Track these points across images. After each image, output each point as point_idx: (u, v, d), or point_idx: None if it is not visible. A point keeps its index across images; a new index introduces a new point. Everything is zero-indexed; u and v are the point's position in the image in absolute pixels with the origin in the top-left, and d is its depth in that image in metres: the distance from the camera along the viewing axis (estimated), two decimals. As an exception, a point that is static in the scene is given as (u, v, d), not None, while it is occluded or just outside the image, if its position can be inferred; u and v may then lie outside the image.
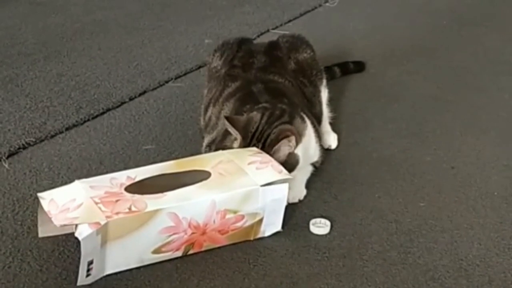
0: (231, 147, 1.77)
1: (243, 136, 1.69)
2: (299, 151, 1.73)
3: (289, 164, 1.69)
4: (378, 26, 3.03)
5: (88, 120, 2.16)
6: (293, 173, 1.72)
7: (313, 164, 1.86)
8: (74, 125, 2.12)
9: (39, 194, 1.53)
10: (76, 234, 1.43)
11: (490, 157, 2.01)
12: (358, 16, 3.14)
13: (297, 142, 1.71)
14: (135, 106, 2.26)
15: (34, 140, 2.02)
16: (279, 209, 1.62)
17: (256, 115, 1.72)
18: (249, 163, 1.63)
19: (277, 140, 1.68)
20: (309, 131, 1.79)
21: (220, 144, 1.81)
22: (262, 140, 1.69)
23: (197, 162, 1.66)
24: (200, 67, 2.51)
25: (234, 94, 1.86)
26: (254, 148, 1.70)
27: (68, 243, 1.58)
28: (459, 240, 1.65)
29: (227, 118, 1.70)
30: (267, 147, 1.68)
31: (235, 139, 1.72)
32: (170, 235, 1.52)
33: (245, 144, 1.69)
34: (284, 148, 1.69)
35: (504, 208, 1.78)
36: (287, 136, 1.67)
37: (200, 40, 2.78)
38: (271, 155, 1.66)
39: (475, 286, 1.52)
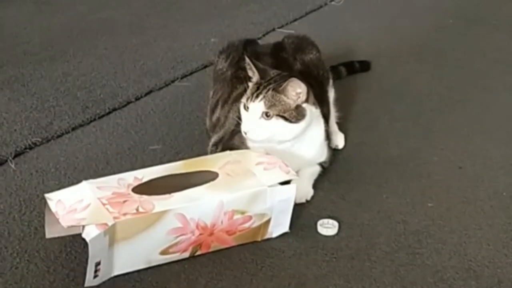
0: (238, 146, 1.77)
1: (260, 74, 1.72)
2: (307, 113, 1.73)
3: (294, 112, 1.69)
4: (383, 25, 3.02)
5: (94, 120, 2.15)
6: (308, 170, 1.73)
7: (321, 165, 1.85)
8: (80, 125, 2.12)
9: (46, 195, 1.53)
10: (84, 235, 1.42)
11: (498, 157, 2.01)
12: (363, 15, 3.13)
13: (307, 99, 1.72)
14: (141, 106, 2.25)
15: (40, 140, 2.02)
16: (286, 209, 1.62)
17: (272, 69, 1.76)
18: (257, 164, 1.63)
19: (288, 80, 1.68)
20: (319, 118, 1.80)
21: (227, 143, 1.81)
22: (278, 81, 1.70)
23: (204, 163, 1.66)
24: (206, 66, 2.51)
25: (243, 95, 1.85)
26: (261, 150, 1.70)
27: (75, 244, 1.57)
28: (467, 240, 1.65)
29: (248, 57, 1.72)
30: (277, 85, 1.69)
31: (251, 81, 1.74)
32: (178, 236, 1.51)
33: (260, 82, 1.71)
34: (291, 91, 1.69)
35: (512, 208, 1.77)
36: (296, 78, 1.68)
37: (206, 39, 2.77)
38: (279, 93, 1.67)
39: (484, 287, 1.51)
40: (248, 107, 1.70)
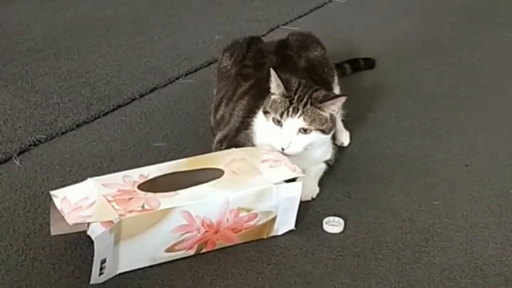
0: (244, 144, 1.77)
1: (285, 85, 1.69)
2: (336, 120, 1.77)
3: (330, 123, 1.70)
4: (388, 22, 3.01)
5: (99, 117, 2.15)
6: (314, 168, 1.73)
7: (326, 162, 1.85)
8: (85, 122, 2.11)
9: (52, 192, 1.52)
10: (89, 233, 1.42)
11: (504, 155, 2.00)
12: (368, 12, 3.12)
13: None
14: (146, 103, 2.25)
15: (45, 137, 2.01)
16: (292, 207, 1.61)
17: (293, 78, 1.74)
18: (262, 161, 1.62)
19: (329, 97, 1.69)
20: None
21: (232, 140, 1.80)
22: (308, 93, 1.69)
23: (210, 160, 1.65)
24: (210, 63, 2.50)
25: (247, 92, 1.85)
26: (267, 147, 1.70)
27: (80, 241, 1.57)
28: (474, 239, 1.64)
29: (274, 70, 1.70)
30: (315, 99, 1.68)
31: (273, 93, 1.71)
32: (183, 234, 1.51)
33: (289, 94, 1.68)
34: (333, 107, 1.69)
35: (519, 206, 1.76)
36: (339, 96, 1.70)
37: (210, 36, 2.77)
38: (319, 108, 1.67)
39: (491, 286, 1.50)
40: (281, 122, 1.67)
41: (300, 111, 1.66)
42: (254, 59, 1.98)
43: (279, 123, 1.68)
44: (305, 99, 1.68)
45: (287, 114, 1.67)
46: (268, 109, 1.71)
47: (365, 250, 1.59)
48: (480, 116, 2.23)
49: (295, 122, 1.67)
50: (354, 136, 2.05)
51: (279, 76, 1.70)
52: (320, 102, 1.68)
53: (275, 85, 1.71)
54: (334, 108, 1.70)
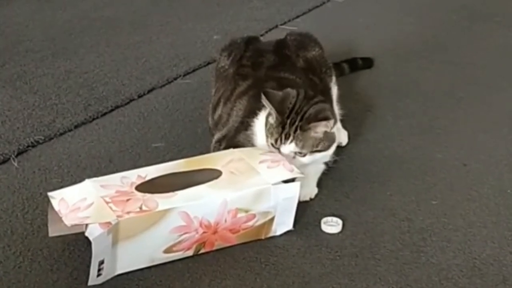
0: (244, 144, 1.76)
1: (278, 111, 1.68)
2: (335, 135, 1.74)
3: (326, 142, 1.69)
4: (387, 21, 3.01)
5: (97, 117, 2.15)
6: (313, 168, 1.73)
7: (325, 163, 1.84)
8: (83, 123, 2.11)
9: (50, 193, 1.52)
10: (87, 234, 1.42)
11: (502, 154, 2.00)
12: (366, 11, 3.12)
13: (334, 123, 1.72)
14: (144, 103, 2.25)
15: (43, 138, 2.01)
16: (290, 208, 1.61)
17: (292, 91, 1.71)
18: (260, 162, 1.62)
19: (316, 119, 1.66)
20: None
21: (232, 140, 1.80)
22: (301, 113, 1.67)
23: (207, 161, 1.65)
24: (208, 63, 2.50)
25: (246, 92, 1.85)
26: (266, 148, 1.69)
27: (78, 243, 1.57)
28: (472, 238, 1.64)
29: (264, 92, 1.69)
30: (304, 121, 1.67)
31: (270, 114, 1.70)
32: (181, 235, 1.51)
33: (282, 118, 1.67)
34: (321, 128, 1.68)
35: (517, 206, 1.76)
36: (326, 119, 1.67)
37: (208, 36, 2.77)
38: (308, 130, 1.65)
39: (489, 285, 1.50)
40: (278, 148, 1.68)
41: (291, 137, 1.66)
42: (252, 58, 1.98)
43: (274, 146, 1.69)
44: (296, 123, 1.66)
45: (281, 141, 1.67)
46: (266, 132, 1.70)
47: (363, 250, 1.60)
48: (478, 115, 2.22)
49: (287, 147, 1.67)
50: (352, 136, 2.05)
51: (271, 101, 1.67)
52: (308, 123, 1.66)
53: (269, 108, 1.69)
54: (323, 129, 1.67)
